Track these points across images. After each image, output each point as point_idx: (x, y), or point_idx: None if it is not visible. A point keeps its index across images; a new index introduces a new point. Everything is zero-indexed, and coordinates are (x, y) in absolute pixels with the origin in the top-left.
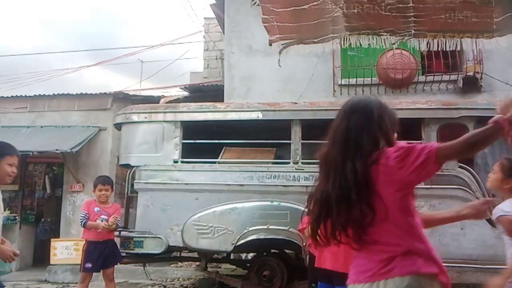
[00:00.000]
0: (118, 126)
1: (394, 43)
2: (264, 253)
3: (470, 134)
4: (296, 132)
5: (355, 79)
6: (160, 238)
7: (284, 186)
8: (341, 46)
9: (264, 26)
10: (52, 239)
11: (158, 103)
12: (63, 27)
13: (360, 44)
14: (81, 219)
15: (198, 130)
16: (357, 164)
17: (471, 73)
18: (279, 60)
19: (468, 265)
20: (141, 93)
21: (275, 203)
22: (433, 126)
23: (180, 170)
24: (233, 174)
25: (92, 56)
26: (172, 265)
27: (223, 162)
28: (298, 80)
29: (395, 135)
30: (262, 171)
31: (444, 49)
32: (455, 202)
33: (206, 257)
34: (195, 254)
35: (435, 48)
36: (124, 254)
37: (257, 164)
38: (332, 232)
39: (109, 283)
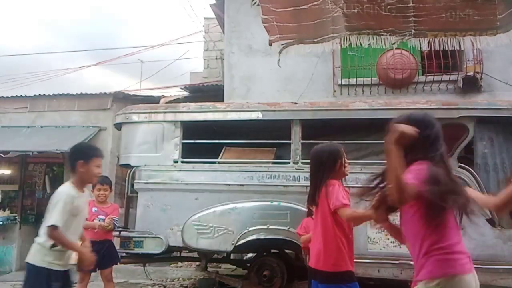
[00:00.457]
0: (118, 126)
1: (394, 43)
2: (264, 253)
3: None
4: (296, 132)
5: (355, 79)
6: (160, 238)
7: (284, 186)
8: (341, 46)
9: (264, 26)
10: None
11: (158, 103)
12: (63, 27)
13: (360, 44)
14: None
15: (198, 130)
16: None
17: (471, 73)
18: (279, 60)
19: None
20: (141, 93)
21: (275, 203)
22: None
23: (180, 170)
24: (233, 174)
25: (92, 56)
26: (172, 265)
27: (223, 162)
28: (298, 80)
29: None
30: (262, 171)
31: (445, 49)
32: None
33: (206, 257)
34: (195, 254)
35: (436, 48)
36: (124, 254)
37: (257, 164)
38: None
39: (108, 284)
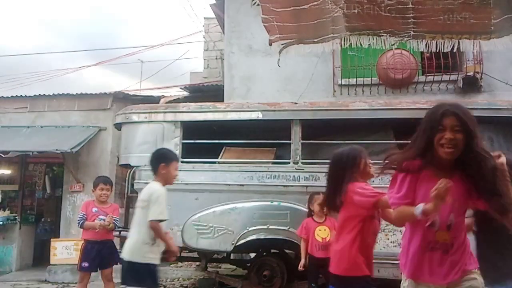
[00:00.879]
0: (118, 126)
1: (393, 44)
2: (264, 253)
3: (399, 213)
4: (296, 132)
5: (355, 79)
6: None
7: (284, 186)
8: (341, 46)
9: (264, 26)
10: (52, 239)
11: (158, 103)
12: (63, 27)
13: (360, 45)
14: (78, 220)
15: (198, 130)
16: None
17: (471, 73)
18: (278, 60)
19: None
20: (141, 93)
21: (275, 203)
22: None
23: (180, 170)
24: (233, 174)
25: (92, 56)
26: (172, 265)
27: (223, 162)
28: (298, 80)
29: None
30: (262, 171)
31: (443, 50)
32: None
33: (206, 257)
34: (195, 254)
35: (434, 50)
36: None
37: (257, 164)
38: None
39: (108, 283)
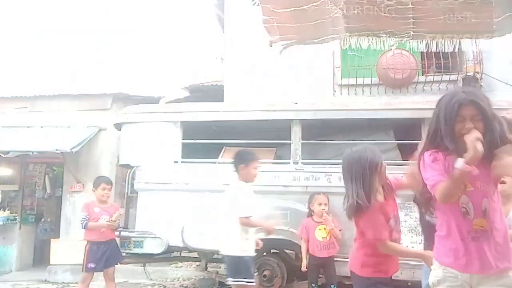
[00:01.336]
0: (118, 126)
1: (393, 45)
2: (264, 253)
3: (444, 186)
4: (296, 132)
5: (355, 79)
6: (160, 238)
7: (284, 186)
8: (341, 46)
9: (265, 26)
10: (52, 239)
11: (158, 103)
12: (63, 27)
13: (360, 45)
14: (81, 221)
15: (198, 130)
16: None
17: (471, 73)
18: (278, 60)
19: None
20: (141, 93)
21: (275, 203)
22: None
23: (180, 170)
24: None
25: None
26: (172, 265)
27: (223, 162)
28: (298, 80)
29: None
30: (262, 171)
31: (444, 50)
32: None
33: (206, 257)
34: (195, 254)
35: (434, 49)
36: (124, 254)
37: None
38: None
39: (110, 283)
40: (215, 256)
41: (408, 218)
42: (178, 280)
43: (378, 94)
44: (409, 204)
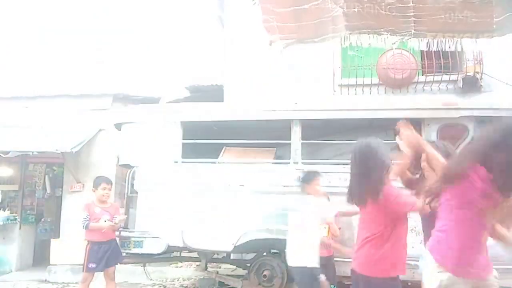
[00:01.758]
0: (118, 126)
1: (394, 43)
2: (264, 253)
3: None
4: (296, 132)
5: (355, 79)
6: (160, 238)
7: (284, 186)
8: (341, 45)
9: (264, 26)
10: (52, 239)
11: (158, 103)
12: (63, 27)
13: (361, 44)
14: (82, 222)
15: (198, 130)
16: None
17: (471, 73)
18: (278, 60)
19: None
20: (141, 93)
21: (275, 203)
22: (433, 126)
23: (180, 170)
24: (233, 174)
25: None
26: (172, 265)
27: (223, 162)
28: (298, 80)
29: None
30: (262, 171)
31: (444, 49)
32: None
33: (206, 257)
34: (195, 254)
35: (435, 48)
36: (124, 254)
37: (257, 164)
38: None
39: (110, 282)
40: (215, 256)
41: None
42: (178, 280)
43: (378, 94)
44: None
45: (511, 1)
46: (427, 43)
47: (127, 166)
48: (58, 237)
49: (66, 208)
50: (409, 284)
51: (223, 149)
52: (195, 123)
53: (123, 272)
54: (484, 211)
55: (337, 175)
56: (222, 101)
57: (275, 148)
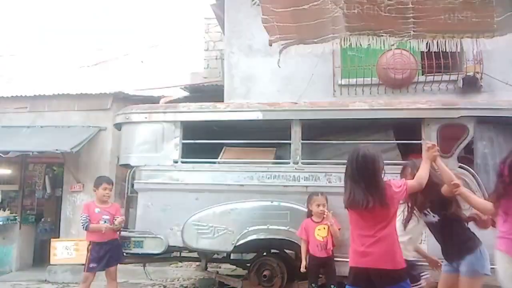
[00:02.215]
0: (118, 126)
1: (393, 44)
2: (264, 253)
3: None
4: (296, 132)
5: (355, 79)
6: (160, 238)
7: (284, 186)
8: (341, 46)
9: (264, 26)
10: (52, 239)
11: (158, 103)
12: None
13: (360, 45)
14: (82, 222)
15: (198, 130)
16: None
17: (471, 73)
18: (279, 60)
19: None
20: (141, 93)
21: (275, 203)
22: (433, 126)
23: (180, 170)
24: (233, 174)
25: (92, 56)
26: (172, 265)
27: (223, 162)
28: (298, 80)
29: None
30: (262, 171)
31: (444, 50)
32: None
33: (206, 257)
34: (195, 254)
35: (435, 49)
36: (124, 254)
37: (257, 164)
38: None
39: (111, 282)
40: (215, 256)
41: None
42: (178, 280)
43: (378, 94)
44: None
45: (511, 1)
46: (427, 44)
47: (127, 166)
48: (58, 237)
49: (66, 208)
50: None
51: (223, 149)
52: (195, 123)
53: (123, 272)
54: None
55: (337, 175)
56: (222, 101)
57: (275, 148)
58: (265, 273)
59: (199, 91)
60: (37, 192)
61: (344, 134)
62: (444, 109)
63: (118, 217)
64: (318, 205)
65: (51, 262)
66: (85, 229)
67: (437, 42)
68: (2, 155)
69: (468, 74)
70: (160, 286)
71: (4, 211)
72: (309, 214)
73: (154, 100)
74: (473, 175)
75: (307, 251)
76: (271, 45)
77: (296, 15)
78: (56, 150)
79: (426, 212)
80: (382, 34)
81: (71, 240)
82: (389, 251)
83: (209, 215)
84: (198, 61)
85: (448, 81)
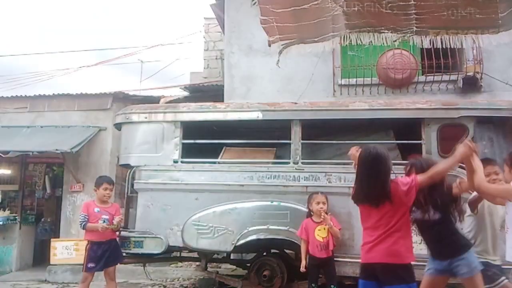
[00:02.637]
0: (118, 126)
1: (395, 40)
2: (264, 253)
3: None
4: (296, 132)
5: (355, 79)
6: (160, 238)
7: (284, 186)
8: (341, 45)
9: (263, 27)
10: (52, 239)
11: (158, 103)
12: (63, 27)
13: (361, 42)
14: (80, 221)
15: (198, 130)
16: None
17: (471, 73)
18: (278, 60)
19: None
20: (141, 93)
21: (275, 203)
22: (433, 126)
23: (180, 170)
24: (233, 174)
25: (92, 56)
26: (172, 265)
27: (223, 162)
28: (298, 80)
29: None
30: (262, 171)
31: (446, 47)
32: None
33: (206, 257)
34: (195, 254)
35: (438, 45)
36: (124, 254)
37: (257, 164)
38: None
39: (110, 282)
40: (215, 256)
41: None
42: (178, 280)
43: (378, 94)
44: None
45: None
46: (430, 40)
47: (127, 166)
48: (58, 237)
49: (66, 208)
50: None
51: (223, 149)
52: (195, 123)
53: (123, 272)
54: None
55: (337, 175)
56: (222, 101)
57: (275, 148)
58: (265, 273)
59: (199, 91)
60: (37, 192)
61: (344, 134)
62: (444, 109)
63: (116, 218)
64: (318, 203)
65: (51, 262)
66: (83, 228)
67: (441, 38)
68: (2, 155)
69: (468, 74)
70: (160, 286)
71: (4, 211)
72: (309, 214)
73: (154, 100)
74: None
75: (307, 251)
76: (270, 46)
77: (297, 15)
78: (56, 150)
79: (428, 209)
80: (384, 31)
81: (71, 240)
82: (394, 247)
83: (209, 215)
84: (198, 61)
85: (448, 81)
